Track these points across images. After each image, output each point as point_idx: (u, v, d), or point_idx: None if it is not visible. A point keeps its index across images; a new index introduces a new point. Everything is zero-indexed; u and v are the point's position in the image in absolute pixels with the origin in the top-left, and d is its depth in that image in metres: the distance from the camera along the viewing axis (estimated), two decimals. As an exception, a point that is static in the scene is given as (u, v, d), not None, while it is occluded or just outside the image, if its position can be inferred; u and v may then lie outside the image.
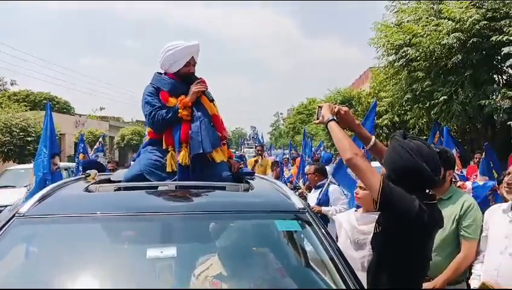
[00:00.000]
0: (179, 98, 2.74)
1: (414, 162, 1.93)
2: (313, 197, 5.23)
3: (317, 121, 2.25)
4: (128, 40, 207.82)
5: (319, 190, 5.16)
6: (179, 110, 2.69)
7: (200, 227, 2.06)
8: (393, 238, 1.97)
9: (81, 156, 8.97)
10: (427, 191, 2.06)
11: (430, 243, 2.08)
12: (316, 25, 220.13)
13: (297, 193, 4.19)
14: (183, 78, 2.82)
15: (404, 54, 8.64)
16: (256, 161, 9.96)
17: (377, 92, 14.81)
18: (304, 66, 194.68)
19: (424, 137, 11.87)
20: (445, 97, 8.17)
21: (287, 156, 15.79)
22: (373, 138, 2.27)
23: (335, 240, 2.29)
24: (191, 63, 2.84)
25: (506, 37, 7.17)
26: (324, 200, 4.99)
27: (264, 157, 10.59)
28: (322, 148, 17.31)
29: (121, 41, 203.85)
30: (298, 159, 10.36)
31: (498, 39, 7.24)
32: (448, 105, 8.32)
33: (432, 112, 8.74)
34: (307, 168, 5.48)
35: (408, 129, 11.94)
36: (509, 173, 2.56)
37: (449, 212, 2.66)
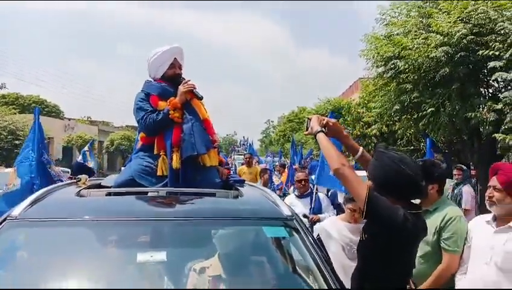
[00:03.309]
0: (168, 100, 2.77)
1: (397, 171, 2.01)
2: (300, 205, 5.13)
3: (307, 132, 2.33)
4: (120, 44, 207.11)
5: (307, 199, 5.21)
6: (170, 112, 2.71)
7: (189, 233, 2.10)
8: (379, 246, 2.03)
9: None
10: (412, 201, 2.13)
11: (414, 251, 2.15)
12: (306, 35, 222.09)
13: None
14: (171, 81, 2.87)
15: (393, 66, 8.76)
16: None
17: (366, 102, 14.99)
18: (294, 74, 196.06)
19: (412, 147, 12.07)
20: (432, 109, 8.31)
21: (277, 163, 15.87)
22: (361, 148, 2.35)
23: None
24: (176, 64, 2.90)
25: (492, 52, 7.35)
26: (317, 208, 5.06)
27: (253, 165, 10.63)
28: (311, 157, 17.42)
29: (112, 45, 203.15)
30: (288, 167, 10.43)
31: (484, 54, 7.40)
32: (435, 117, 8.47)
33: (420, 123, 8.88)
34: (301, 174, 5.50)
35: (396, 139, 12.10)
36: (489, 187, 2.58)
37: (431, 224, 2.69)
